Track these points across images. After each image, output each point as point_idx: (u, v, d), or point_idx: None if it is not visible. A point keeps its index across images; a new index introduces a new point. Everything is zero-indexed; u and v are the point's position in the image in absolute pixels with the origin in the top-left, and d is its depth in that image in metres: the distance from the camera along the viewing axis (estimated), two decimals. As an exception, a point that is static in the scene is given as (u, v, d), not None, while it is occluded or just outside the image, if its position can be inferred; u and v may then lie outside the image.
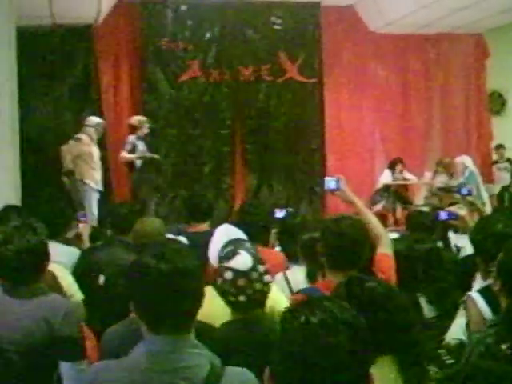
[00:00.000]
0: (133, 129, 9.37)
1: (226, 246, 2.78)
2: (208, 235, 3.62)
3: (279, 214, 5.15)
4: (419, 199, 11.10)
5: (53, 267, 3.56)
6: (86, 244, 4.89)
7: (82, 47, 10.01)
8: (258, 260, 2.60)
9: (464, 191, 5.19)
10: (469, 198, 5.02)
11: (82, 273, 4.15)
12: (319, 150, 11.12)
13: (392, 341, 2.06)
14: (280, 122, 10.86)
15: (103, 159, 9.60)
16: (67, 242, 4.30)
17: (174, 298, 1.90)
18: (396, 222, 10.34)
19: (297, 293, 3.26)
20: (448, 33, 11.36)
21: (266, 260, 3.46)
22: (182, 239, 4.00)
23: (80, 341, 2.85)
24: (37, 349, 2.74)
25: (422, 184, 10.99)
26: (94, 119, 9.20)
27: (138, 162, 9.27)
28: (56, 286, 3.52)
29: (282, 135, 10.88)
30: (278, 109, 10.87)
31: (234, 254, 2.61)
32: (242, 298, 2.55)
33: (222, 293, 2.61)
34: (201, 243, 3.66)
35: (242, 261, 2.58)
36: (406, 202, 10.79)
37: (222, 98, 10.63)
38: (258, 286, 2.56)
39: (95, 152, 9.04)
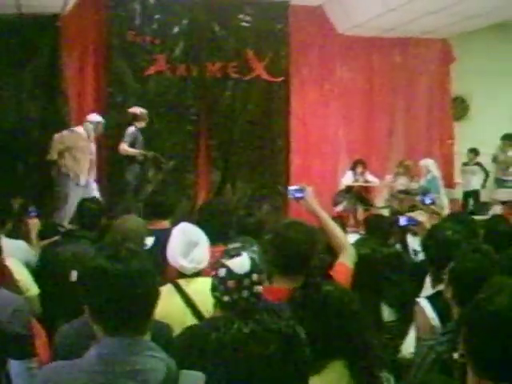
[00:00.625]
0: (132, 120, 9.27)
1: (235, 241, 2.77)
2: (169, 232, 3.61)
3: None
4: (380, 201, 11.21)
5: (8, 261, 3.52)
6: (33, 240, 4.82)
7: (47, 36, 9.84)
8: (255, 268, 2.56)
9: (427, 200, 5.26)
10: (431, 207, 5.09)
11: (43, 268, 4.11)
12: (284, 149, 11.14)
13: (344, 345, 2.08)
14: (245, 119, 10.86)
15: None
16: (10, 236, 4.23)
17: (129, 300, 1.89)
18: (357, 224, 10.42)
19: None
20: (414, 37, 11.49)
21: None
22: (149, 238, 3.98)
23: (29, 338, 2.81)
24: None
25: (383, 186, 11.09)
26: (95, 117, 9.16)
27: (139, 158, 9.20)
28: (11, 280, 3.48)
29: (247, 133, 10.89)
30: (243, 106, 10.86)
31: (236, 253, 2.58)
32: (225, 299, 2.54)
33: (212, 286, 2.60)
34: (161, 240, 3.65)
35: (240, 263, 2.54)
36: (366, 203, 10.89)
37: (188, 93, 10.57)
38: (245, 293, 2.53)
39: (93, 149, 8.96)
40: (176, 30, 10.44)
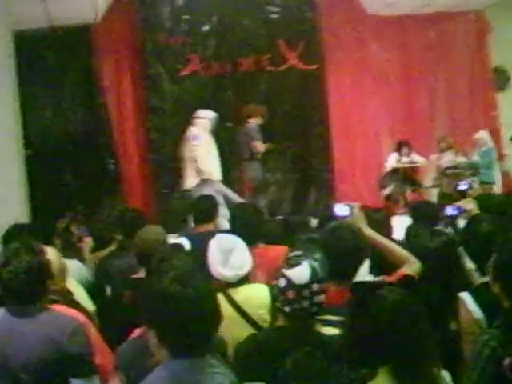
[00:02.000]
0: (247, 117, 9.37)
1: (297, 248, 2.76)
2: (212, 235, 3.66)
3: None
4: (428, 180, 11.04)
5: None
6: (87, 257, 4.93)
7: (81, 48, 10.01)
8: (316, 278, 2.54)
9: (463, 186, 5.15)
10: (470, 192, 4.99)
11: (95, 283, 4.20)
12: (325, 136, 11.07)
13: (398, 351, 2.04)
14: (284, 110, 10.83)
15: (110, 159, 9.77)
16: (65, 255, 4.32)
17: (195, 322, 1.94)
18: (406, 205, 10.29)
19: None
20: (448, 11, 11.23)
21: (271, 257, 3.49)
22: (184, 242, 4.02)
23: (89, 357, 2.89)
24: (46, 368, 2.78)
25: (429, 165, 10.92)
26: (210, 112, 9.12)
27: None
28: (71, 300, 3.56)
29: (286, 124, 10.84)
30: (280, 98, 10.83)
31: (296, 262, 2.56)
32: (286, 309, 2.55)
33: (272, 296, 2.63)
34: (204, 245, 3.69)
35: (300, 273, 2.53)
36: (415, 184, 10.74)
37: (224, 90, 10.61)
38: (305, 303, 2.52)
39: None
40: (206, 28, 10.48)
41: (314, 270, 2.54)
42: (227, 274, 3.22)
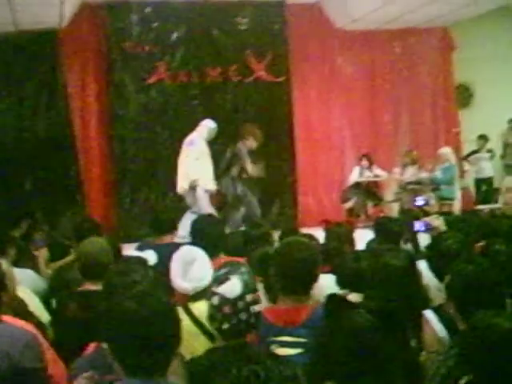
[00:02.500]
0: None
1: (222, 267, 2.76)
2: (173, 246, 3.62)
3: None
4: (390, 195, 11.16)
5: (19, 291, 3.53)
6: (42, 268, 4.86)
7: (46, 52, 9.87)
8: (248, 288, 2.57)
9: (419, 202, 5.22)
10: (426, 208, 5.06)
11: (52, 293, 4.13)
12: (289, 148, 11.11)
13: (366, 368, 2.04)
14: (249, 121, 10.81)
15: (72, 166, 9.64)
16: (16, 264, 4.24)
17: (151, 342, 1.90)
18: (368, 219, 10.39)
19: None
20: (414, 27, 11.41)
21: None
22: (150, 255, 3.98)
23: (42, 371, 2.82)
24: (-1, 382, 2.70)
25: (391, 179, 11.04)
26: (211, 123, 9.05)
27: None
28: (24, 310, 3.49)
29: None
30: (246, 108, 10.86)
31: (225, 278, 2.59)
32: (225, 326, 2.55)
33: (209, 317, 2.61)
34: (165, 256, 3.67)
35: (231, 288, 2.56)
36: (376, 198, 10.85)
37: (190, 99, 10.58)
38: (243, 315, 2.54)
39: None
40: (174, 36, 10.45)
41: (244, 282, 2.57)
42: (187, 286, 3.20)
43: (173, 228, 4.85)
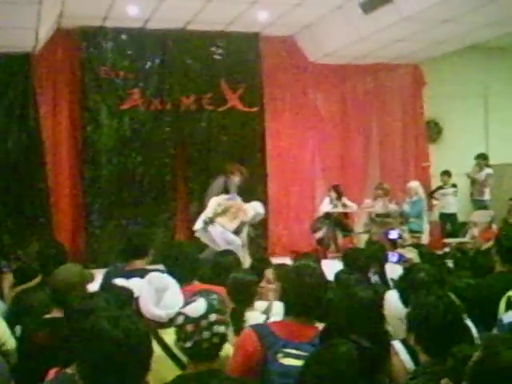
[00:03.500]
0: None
1: (196, 294, 2.79)
2: (144, 272, 3.59)
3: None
4: (359, 226, 11.25)
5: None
6: (6, 293, 4.79)
7: (19, 75, 9.85)
8: (213, 309, 2.60)
9: (392, 235, 5.29)
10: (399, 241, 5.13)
11: (14, 317, 4.06)
12: (261, 177, 11.17)
13: None
14: (222, 150, 10.89)
15: (41, 189, 9.57)
16: None
17: (124, 365, 1.89)
18: (337, 249, 10.45)
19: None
20: (385, 63, 11.64)
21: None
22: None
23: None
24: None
25: (361, 211, 11.13)
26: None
27: None
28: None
29: (224, 164, 10.88)
30: (219, 137, 10.92)
31: (192, 300, 2.63)
32: (188, 344, 2.56)
33: (176, 338, 2.62)
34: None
35: (195, 307, 2.59)
36: (346, 229, 10.92)
37: (164, 126, 10.61)
38: (206, 334, 2.55)
39: None
40: (149, 64, 10.50)
41: (209, 304, 2.61)
42: (160, 314, 3.18)
43: (145, 253, 4.80)
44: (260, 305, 3.93)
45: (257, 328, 2.96)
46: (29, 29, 8.46)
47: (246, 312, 3.71)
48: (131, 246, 4.83)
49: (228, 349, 2.94)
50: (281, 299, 3.02)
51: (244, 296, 3.79)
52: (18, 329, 3.69)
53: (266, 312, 3.80)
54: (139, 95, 10.42)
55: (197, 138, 10.78)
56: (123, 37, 10.32)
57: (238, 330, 3.50)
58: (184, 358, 3.04)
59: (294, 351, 2.76)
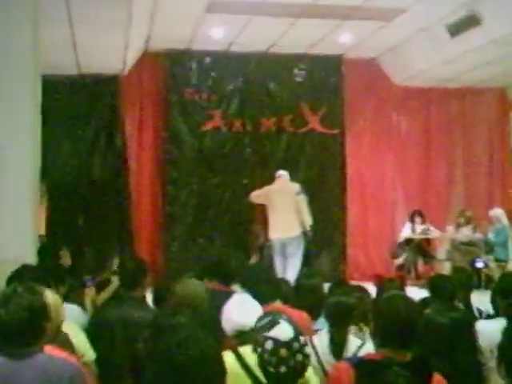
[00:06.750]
0: None
1: (262, 317, 2.77)
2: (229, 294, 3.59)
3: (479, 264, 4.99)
4: (441, 253, 10.94)
5: (64, 325, 3.53)
6: (88, 307, 4.88)
7: (107, 95, 10.19)
8: (298, 331, 2.57)
9: (478, 264, 5.10)
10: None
11: (94, 330, 4.12)
12: (340, 201, 11.07)
13: None
14: (301, 172, 10.85)
15: (124, 208, 9.81)
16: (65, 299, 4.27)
17: None
18: (417, 277, 10.20)
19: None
20: (471, 86, 11.36)
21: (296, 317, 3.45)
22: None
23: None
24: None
25: (444, 237, 10.83)
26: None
27: None
28: (68, 345, 3.48)
29: (304, 186, 10.83)
30: (299, 159, 10.90)
31: (274, 323, 2.58)
32: (283, 369, 2.50)
33: (262, 363, 2.56)
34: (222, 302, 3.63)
35: (283, 331, 2.55)
36: (427, 255, 10.64)
37: (244, 147, 10.70)
38: (299, 357, 2.51)
39: None
40: (231, 86, 10.65)
41: (292, 324, 2.58)
42: (244, 321, 3.16)
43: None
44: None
45: (353, 361, 2.83)
46: (118, 51, 8.74)
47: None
48: (221, 271, 4.64)
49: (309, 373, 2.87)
50: (374, 331, 2.89)
51: (344, 319, 3.68)
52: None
53: (360, 336, 3.71)
54: (221, 116, 10.57)
55: (276, 159, 10.79)
56: (207, 59, 10.53)
57: (337, 354, 3.45)
58: (263, 380, 3.01)
59: None
